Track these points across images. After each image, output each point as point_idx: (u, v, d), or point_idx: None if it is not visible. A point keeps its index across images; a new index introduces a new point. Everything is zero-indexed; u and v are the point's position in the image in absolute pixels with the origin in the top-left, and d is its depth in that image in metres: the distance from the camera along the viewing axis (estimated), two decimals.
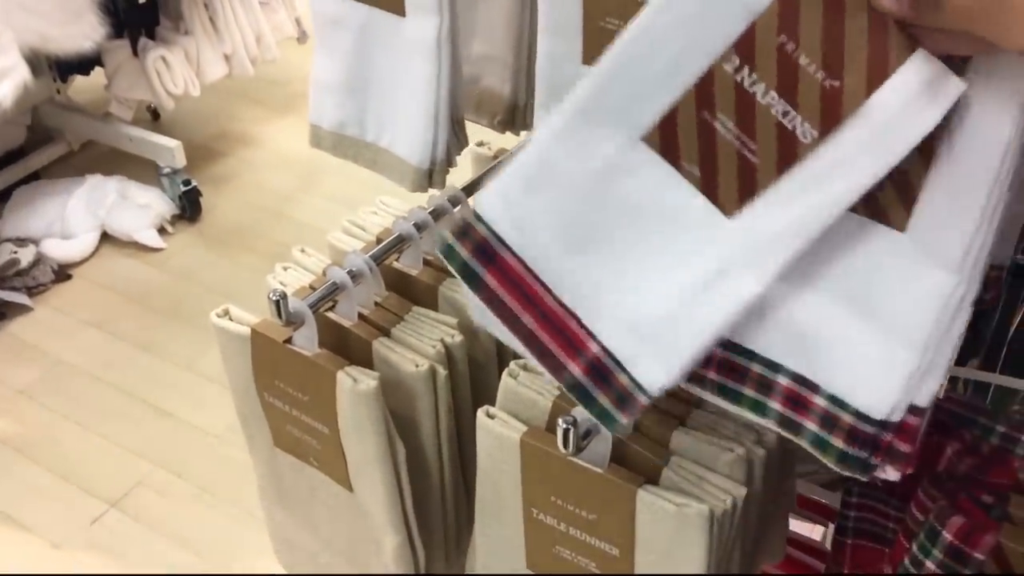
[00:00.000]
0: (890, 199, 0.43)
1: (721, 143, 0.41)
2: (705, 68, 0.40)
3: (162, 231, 2.31)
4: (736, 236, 0.44)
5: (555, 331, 0.50)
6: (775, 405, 0.52)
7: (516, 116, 0.78)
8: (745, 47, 0.39)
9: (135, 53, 2.27)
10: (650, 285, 0.47)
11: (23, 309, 2.10)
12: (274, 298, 0.70)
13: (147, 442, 1.81)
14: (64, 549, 1.62)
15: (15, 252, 2.11)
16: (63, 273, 2.19)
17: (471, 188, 0.89)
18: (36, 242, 2.19)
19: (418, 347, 0.74)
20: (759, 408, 0.52)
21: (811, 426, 0.51)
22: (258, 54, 2.44)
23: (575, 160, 0.44)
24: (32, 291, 2.13)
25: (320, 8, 0.70)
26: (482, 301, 0.49)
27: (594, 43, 0.59)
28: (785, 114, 0.39)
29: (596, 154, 0.44)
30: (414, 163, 0.70)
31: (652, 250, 0.47)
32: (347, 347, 0.75)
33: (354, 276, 0.75)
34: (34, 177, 2.42)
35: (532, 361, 0.72)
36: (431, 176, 0.70)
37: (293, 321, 0.71)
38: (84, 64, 2.40)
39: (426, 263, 0.82)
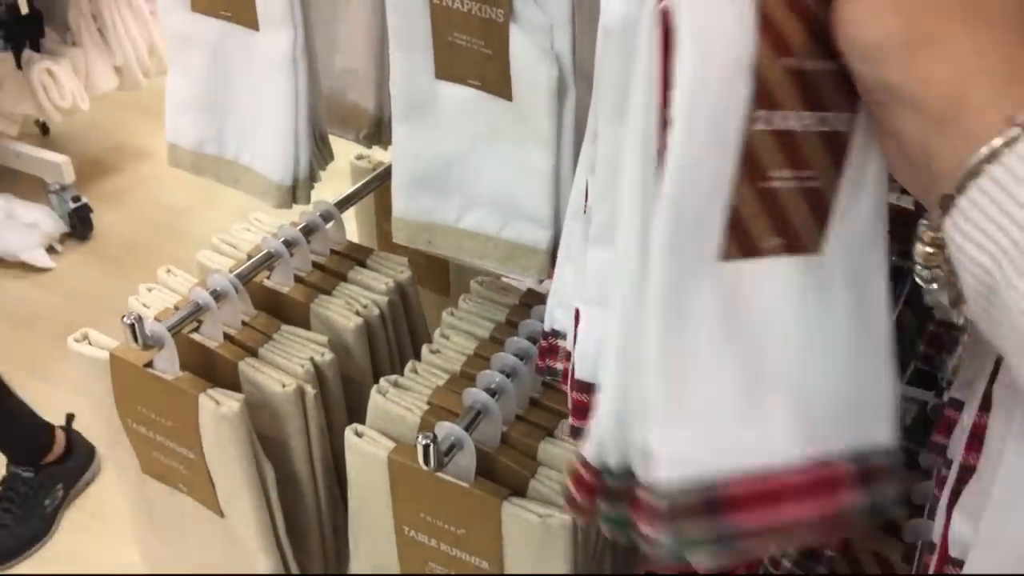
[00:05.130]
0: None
1: (785, 197, 0.40)
2: (741, 144, 0.38)
3: (51, 250, 2.23)
4: (837, 262, 0.42)
5: None
6: None
7: (382, 130, 0.77)
8: (763, 96, 0.37)
9: (19, 66, 2.19)
10: None
11: None
12: (128, 321, 0.67)
13: None
14: None
15: None
16: None
17: (346, 202, 0.88)
18: None
19: (286, 366, 0.73)
20: None
21: None
22: (150, 65, 2.38)
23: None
24: None
25: (172, 25, 0.68)
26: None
27: (445, 58, 0.59)
28: (823, 120, 0.39)
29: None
30: (276, 180, 0.68)
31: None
32: (213, 369, 0.74)
33: (218, 296, 0.74)
34: None
35: (402, 378, 0.72)
36: (294, 192, 0.69)
37: (151, 344, 0.69)
38: None
39: (297, 280, 0.81)
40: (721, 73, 0.36)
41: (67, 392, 1.88)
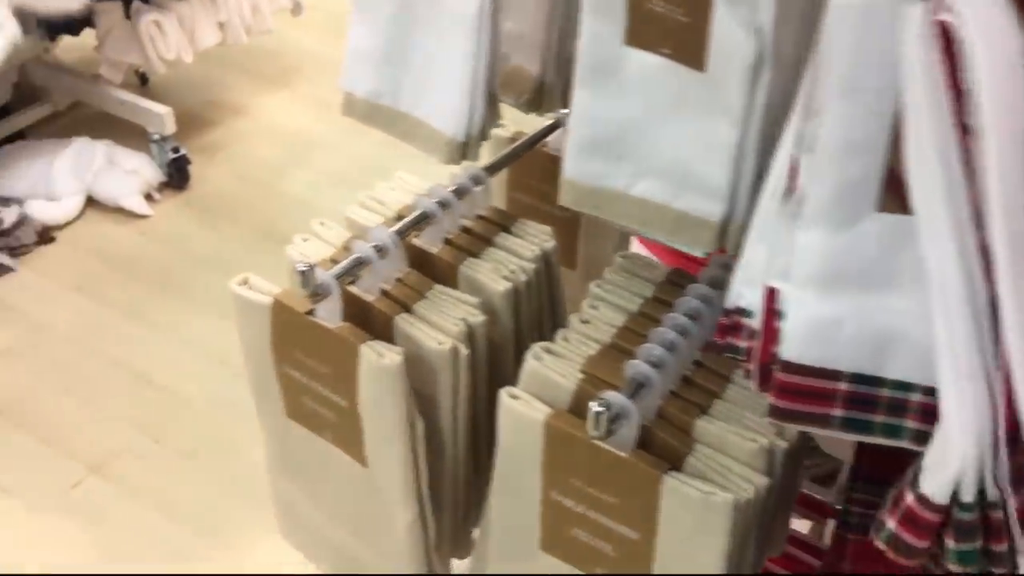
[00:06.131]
0: None
1: None
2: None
3: (148, 198, 2.28)
4: None
5: None
6: (910, 424, 0.53)
7: (543, 96, 0.78)
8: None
9: (128, 16, 2.23)
10: None
11: (4, 270, 2.06)
12: (301, 268, 0.69)
13: (129, 409, 1.79)
14: (41, 513, 1.60)
15: None
16: (46, 235, 2.16)
17: (492, 168, 0.89)
18: (20, 202, 2.15)
19: (440, 325, 0.74)
20: (892, 431, 0.54)
21: None
22: (252, 24, 2.41)
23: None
24: (14, 252, 2.09)
25: None
26: None
27: (638, 24, 0.60)
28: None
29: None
30: (448, 135, 0.70)
31: None
32: (368, 322, 0.75)
33: (378, 251, 0.75)
34: (19, 136, 2.37)
35: (554, 345, 0.73)
36: (465, 149, 0.70)
37: (319, 293, 0.71)
38: (73, 24, 2.35)
39: (446, 242, 0.82)
40: (1014, 85, 0.38)
41: (160, 336, 1.94)
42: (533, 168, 0.97)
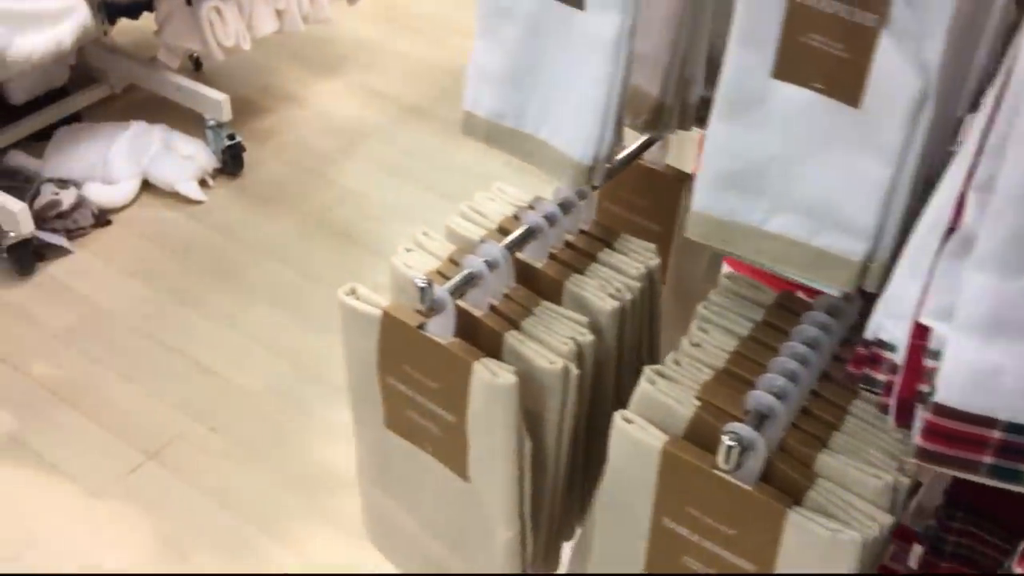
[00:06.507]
0: None
1: None
2: None
3: (202, 183, 2.29)
4: None
5: None
6: None
7: (660, 118, 0.77)
8: None
9: (188, 2, 2.23)
10: None
11: (62, 252, 2.08)
12: (421, 284, 0.69)
13: (186, 396, 1.80)
14: (101, 498, 1.62)
15: (56, 193, 2.08)
16: (103, 218, 2.17)
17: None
18: (78, 185, 2.16)
19: (550, 343, 0.74)
20: None
21: None
22: (310, 12, 2.41)
23: None
24: (72, 234, 2.11)
25: None
26: None
27: (789, 57, 0.58)
28: None
29: None
30: (576, 157, 0.69)
31: None
32: (476, 336, 0.75)
33: (490, 266, 0.74)
34: (75, 118, 2.39)
35: (666, 368, 0.72)
36: (591, 172, 0.69)
37: (435, 308, 0.70)
38: (133, 8, 2.36)
39: (550, 256, 0.82)
40: None
41: (215, 323, 1.95)
42: (626, 180, 0.96)
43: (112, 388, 1.81)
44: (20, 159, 2.22)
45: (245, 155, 2.35)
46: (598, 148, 0.68)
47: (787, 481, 0.64)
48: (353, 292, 0.77)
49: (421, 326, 0.73)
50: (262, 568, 1.53)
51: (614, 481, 0.71)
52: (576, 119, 0.68)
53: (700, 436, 0.67)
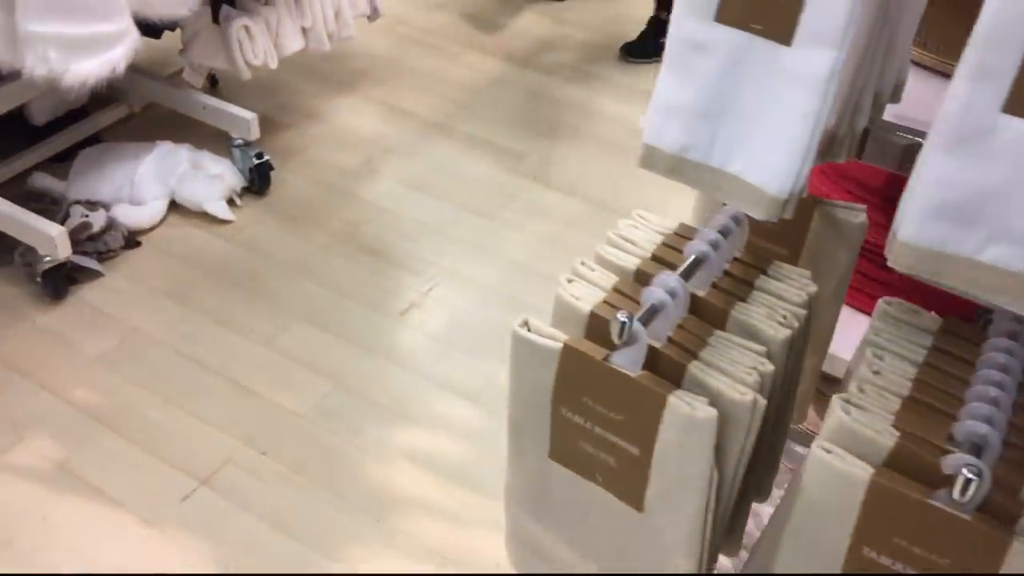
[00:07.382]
0: None
1: None
2: None
3: (230, 203, 2.26)
4: None
5: None
6: None
7: (832, 147, 0.77)
8: None
9: (215, 20, 2.21)
10: None
11: (94, 275, 2.04)
12: (622, 320, 0.68)
13: (232, 419, 1.77)
14: (157, 526, 1.59)
15: (86, 216, 2.04)
16: (132, 240, 2.13)
17: None
18: (106, 206, 2.12)
19: (733, 374, 0.73)
20: None
21: None
22: (335, 30, 2.39)
23: None
24: (103, 257, 2.07)
25: (683, 31, 0.68)
26: None
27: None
28: None
29: None
30: (772, 192, 0.69)
31: None
32: (656, 368, 0.74)
33: (670, 296, 0.74)
34: (95, 138, 2.34)
35: (854, 396, 0.72)
36: (786, 205, 0.69)
37: (629, 342, 0.70)
38: (155, 28, 2.32)
39: (712, 285, 0.82)
40: None
41: (253, 344, 1.92)
42: None
43: (156, 412, 1.78)
44: (46, 181, 2.17)
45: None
46: (796, 182, 0.68)
47: (1001, 508, 0.65)
48: (526, 324, 0.77)
49: (606, 358, 0.72)
50: None
51: (807, 510, 0.71)
52: (775, 154, 0.67)
53: (903, 466, 0.67)
